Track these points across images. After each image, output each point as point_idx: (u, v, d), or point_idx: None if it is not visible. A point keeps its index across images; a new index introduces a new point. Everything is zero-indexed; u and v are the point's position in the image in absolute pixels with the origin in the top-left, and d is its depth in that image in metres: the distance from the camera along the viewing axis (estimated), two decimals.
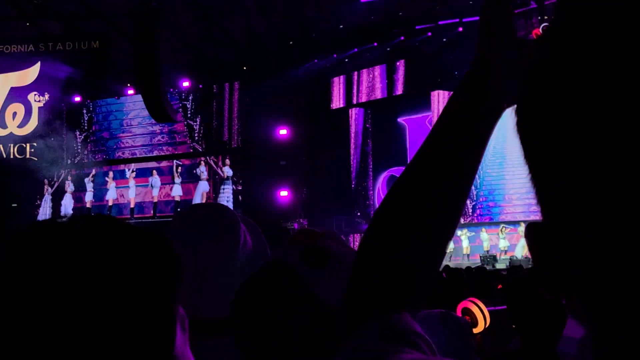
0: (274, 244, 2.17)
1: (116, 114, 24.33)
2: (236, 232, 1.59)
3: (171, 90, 18.97)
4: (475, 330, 4.03)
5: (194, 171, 22.81)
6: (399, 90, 22.34)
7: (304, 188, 21.86)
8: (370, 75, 22.91)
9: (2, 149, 24.00)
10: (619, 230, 0.42)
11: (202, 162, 22.83)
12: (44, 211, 23.72)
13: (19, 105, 24.17)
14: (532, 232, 0.50)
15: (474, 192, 21.02)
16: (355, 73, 23.03)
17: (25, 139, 24.06)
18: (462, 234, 20.26)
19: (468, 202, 20.10)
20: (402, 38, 21.36)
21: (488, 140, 0.84)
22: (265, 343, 1.25)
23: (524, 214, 20.14)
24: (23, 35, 23.38)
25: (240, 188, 22.05)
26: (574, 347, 2.22)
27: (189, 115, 22.95)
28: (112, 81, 23.16)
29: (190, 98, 22.93)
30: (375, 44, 21.87)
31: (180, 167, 22.97)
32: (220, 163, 22.62)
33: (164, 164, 23.37)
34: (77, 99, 23.69)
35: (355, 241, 22.28)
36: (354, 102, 23.33)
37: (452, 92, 0.88)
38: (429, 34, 20.98)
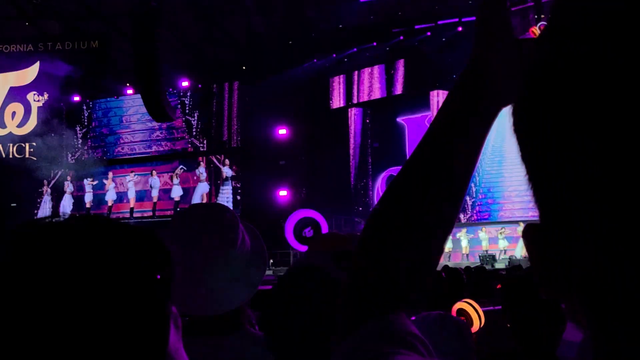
0: (274, 244, 2.16)
1: (115, 110, 24.37)
2: (235, 231, 1.60)
3: (170, 90, 18.98)
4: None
5: (194, 172, 22.83)
6: (399, 90, 22.37)
7: (304, 188, 21.88)
8: (370, 75, 22.93)
9: (1, 148, 24.02)
10: (619, 230, 0.42)
11: (202, 163, 22.85)
12: (44, 212, 23.72)
13: (18, 105, 24.18)
14: (530, 233, 0.50)
15: (473, 190, 21.05)
16: (355, 73, 23.05)
17: (25, 138, 24.07)
18: (461, 234, 20.27)
19: (467, 198, 20.13)
20: (402, 38, 21.38)
21: (485, 139, 0.84)
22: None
23: (522, 210, 20.19)
24: (22, 35, 23.40)
25: (239, 188, 22.06)
26: (573, 351, 2.22)
27: (187, 111, 22.98)
28: (111, 81, 23.17)
29: (188, 94, 22.98)
30: (375, 43, 21.89)
31: (180, 169, 22.99)
32: (219, 163, 22.63)
33: (163, 167, 23.40)
34: (77, 98, 23.71)
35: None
36: (354, 101, 23.35)
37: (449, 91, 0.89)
38: (429, 33, 21.01)
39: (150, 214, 23.11)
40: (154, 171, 23.39)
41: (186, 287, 1.53)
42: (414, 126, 22.81)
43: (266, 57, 21.65)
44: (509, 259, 18.07)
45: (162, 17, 15.50)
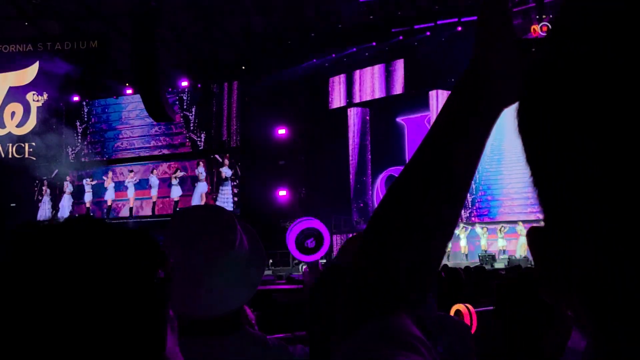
0: (273, 244, 2.17)
1: (114, 106, 24.38)
2: (233, 232, 1.60)
3: (170, 89, 18.98)
4: None
5: (193, 172, 22.83)
6: (398, 89, 22.37)
7: (303, 187, 21.88)
8: (369, 75, 22.93)
9: (0, 148, 24.00)
10: (619, 230, 0.42)
11: (201, 162, 22.85)
12: (43, 212, 23.71)
13: (18, 104, 24.17)
14: (533, 234, 0.50)
15: (473, 187, 21.05)
16: (354, 72, 23.05)
17: (24, 138, 24.06)
18: (460, 232, 20.25)
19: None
20: (401, 37, 21.37)
21: (486, 140, 0.83)
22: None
23: (522, 207, 20.21)
24: (22, 35, 23.39)
25: (239, 187, 22.05)
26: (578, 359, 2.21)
27: (184, 106, 23.01)
28: (110, 80, 23.16)
29: (186, 91, 23.02)
30: (374, 43, 21.88)
31: (179, 171, 23.00)
32: (219, 163, 22.63)
33: (163, 165, 23.40)
34: (76, 98, 23.70)
35: None
36: (353, 101, 23.34)
37: (449, 91, 0.88)
38: (428, 33, 21.00)
39: (150, 213, 23.11)
40: (154, 170, 23.40)
41: (186, 289, 1.53)
42: (413, 126, 22.81)
43: (265, 57, 21.64)
44: (509, 258, 18.07)
45: (162, 17, 15.50)
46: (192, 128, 23.23)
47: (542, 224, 0.51)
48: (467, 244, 20.28)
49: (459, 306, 4.45)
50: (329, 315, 1.28)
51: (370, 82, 22.95)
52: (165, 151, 23.61)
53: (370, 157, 23.60)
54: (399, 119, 23.21)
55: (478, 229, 20.04)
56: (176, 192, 22.88)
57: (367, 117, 23.66)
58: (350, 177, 23.46)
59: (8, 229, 0.76)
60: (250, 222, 1.76)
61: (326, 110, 23.53)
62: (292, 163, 22.34)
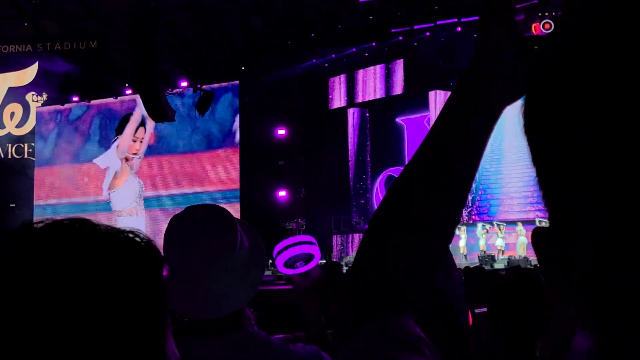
0: (272, 244, 2.16)
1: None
2: (233, 232, 1.59)
3: (169, 90, 18.97)
4: None
5: None
6: (397, 90, 22.37)
7: (302, 188, 21.88)
8: (369, 75, 22.93)
9: (0, 149, 24.00)
10: (619, 230, 0.42)
11: None
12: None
13: (17, 105, 24.16)
14: (537, 234, 0.50)
15: (473, 186, 21.00)
16: (354, 73, 23.04)
17: (24, 138, 24.06)
18: (461, 232, 20.24)
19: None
20: (401, 38, 21.37)
21: (487, 139, 0.83)
22: None
23: (521, 206, 20.22)
24: (21, 35, 23.38)
25: (238, 187, 22.02)
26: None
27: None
28: (110, 81, 23.15)
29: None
30: (374, 43, 21.88)
31: None
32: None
33: None
34: (75, 99, 23.68)
35: (353, 241, 22.29)
36: (353, 102, 23.34)
37: (450, 92, 0.88)
38: (428, 34, 20.99)
39: None
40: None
41: (187, 290, 1.53)
42: (413, 126, 22.80)
43: (265, 57, 21.64)
44: (508, 259, 18.05)
45: (161, 17, 15.49)
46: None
47: (543, 224, 0.51)
48: (466, 244, 20.27)
49: None
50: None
51: (369, 83, 22.95)
52: None
53: (369, 157, 23.60)
54: (398, 120, 23.21)
55: (479, 230, 20.03)
56: None
57: (367, 118, 23.67)
58: (350, 177, 23.46)
59: (7, 230, 0.76)
60: (248, 222, 1.76)
61: (326, 110, 23.53)
62: (292, 163, 22.33)
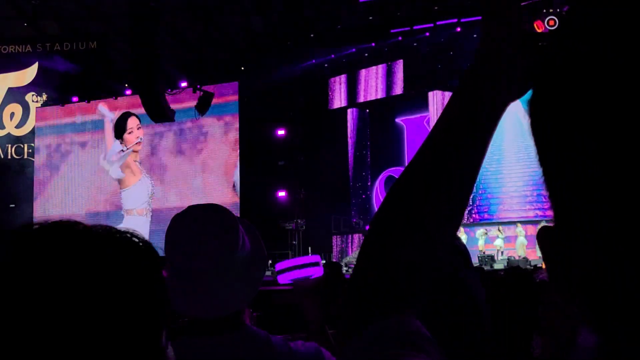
0: (272, 244, 2.16)
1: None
2: (235, 233, 1.59)
3: (169, 90, 18.97)
4: None
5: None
6: (397, 90, 22.36)
7: (302, 188, 21.86)
8: (369, 76, 22.92)
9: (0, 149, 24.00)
10: (619, 230, 0.42)
11: None
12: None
13: (17, 105, 24.16)
14: (543, 234, 0.50)
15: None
16: (354, 73, 23.04)
17: (23, 139, 24.05)
18: (461, 233, 20.23)
19: None
20: (400, 38, 21.36)
21: (490, 138, 0.83)
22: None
23: (521, 204, 20.23)
24: (21, 36, 23.37)
25: (238, 188, 22.02)
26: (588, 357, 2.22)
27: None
28: (110, 81, 23.14)
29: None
30: (373, 44, 21.88)
31: None
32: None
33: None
34: (75, 99, 23.67)
35: (353, 242, 22.28)
36: (353, 102, 23.34)
37: (450, 92, 0.88)
38: (427, 34, 20.99)
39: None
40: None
41: (188, 290, 1.53)
42: (412, 127, 22.80)
43: (264, 58, 21.63)
44: (508, 259, 18.05)
45: (161, 18, 15.49)
46: None
47: (544, 223, 0.51)
48: (466, 244, 20.23)
49: None
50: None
51: (369, 83, 22.94)
52: None
53: (369, 157, 23.60)
54: (398, 120, 23.21)
55: (478, 232, 20.04)
56: None
57: (367, 118, 23.66)
58: (350, 177, 23.46)
59: (7, 230, 0.76)
60: (249, 223, 1.76)
61: (326, 110, 23.53)
62: (292, 163, 22.32)
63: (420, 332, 0.77)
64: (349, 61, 22.63)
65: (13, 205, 22.72)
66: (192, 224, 1.59)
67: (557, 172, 0.46)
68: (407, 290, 0.81)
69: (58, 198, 23.18)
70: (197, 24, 20.98)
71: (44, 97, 23.95)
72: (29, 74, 23.94)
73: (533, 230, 19.26)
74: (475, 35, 18.77)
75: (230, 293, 1.55)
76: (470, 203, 20.96)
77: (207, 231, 1.57)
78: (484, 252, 19.35)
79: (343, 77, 23.29)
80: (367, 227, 0.87)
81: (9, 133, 24.11)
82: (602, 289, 0.44)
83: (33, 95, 24.01)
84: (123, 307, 0.72)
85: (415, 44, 21.35)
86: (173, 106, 17.04)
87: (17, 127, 24.18)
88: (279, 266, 2.18)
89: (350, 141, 23.58)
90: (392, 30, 21.19)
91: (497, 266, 16.43)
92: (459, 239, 1.57)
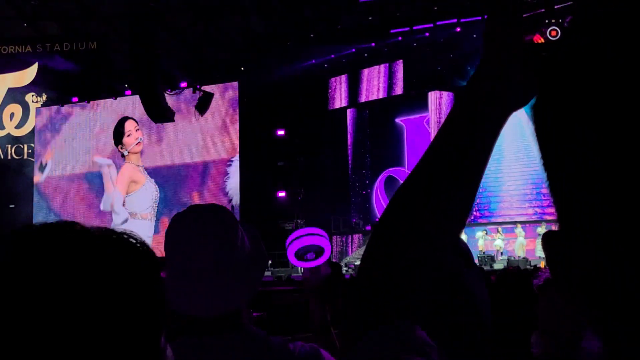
0: (272, 245, 2.17)
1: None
2: (234, 232, 1.60)
3: (169, 90, 18.97)
4: None
5: None
6: (397, 90, 22.37)
7: (302, 188, 21.87)
8: (368, 76, 22.93)
9: None
10: (619, 230, 0.42)
11: None
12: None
13: (17, 106, 24.17)
14: (547, 238, 0.50)
15: None
16: (353, 73, 23.04)
17: (23, 139, 24.05)
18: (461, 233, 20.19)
19: None
20: (400, 38, 21.37)
21: (492, 146, 0.83)
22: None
23: (520, 202, 20.28)
24: (21, 36, 23.38)
25: (238, 188, 22.04)
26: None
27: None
28: (110, 81, 23.15)
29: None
30: (373, 44, 21.88)
31: None
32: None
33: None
34: (75, 99, 23.69)
35: (352, 242, 22.29)
36: (352, 102, 23.34)
37: (450, 92, 0.89)
38: (427, 34, 20.99)
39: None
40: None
41: (187, 288, 1.53)
42: (412, 127, 22.81)
43: (264, 58, 21.63)
44: (508, 259, 18.06)
45: (161, 18, 15.49)
46: None
47: (543, 224, 0.51)
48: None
49: None
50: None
51: (369, 83, 22.95)
52: None
53: (369, 157, 23.60)
54: (397, 120, 23.22)
55: (478, 232, 20.05)
56: None
57: (366, 118, 23.67)
58: (349, 177, 23.46)
59: (7, 230, 0.76)
60: (249, 223, 1.76)
61: (325, 111, 23.54)
62: (291, 164, 22.33)
63: (422, 338, 0.77)
64: (348, 61, 22.64)
65: (13, 206, 22.72)
66: (192, 223, 1.59)
67: (558, 164, 0.46)
68: (409, 291, 0.81)
69: None
70: (197, 24, 20.99)
71: (44, 97, 23.96)
72: (29, 74, 23.95)
73: (532, 230, 19.29)
74: (475, 35, 18.78)
75: (229, 292, 1.56)
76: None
77: (207, 230, 1.57)
78: (484, 252, 19.36)
79: (343, 77, 23.30)
80: (368, 227, 0.87)
81: (8, 133, 24.12)
82: (602, 289, 0.44)
83: (33, 95, 24.01)
84: (122, 308, 0.72)
85: (415, 44, 21.36)
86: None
87: (17, 127, 24.18)
88: (289, 239, 2.19)
89: (350, 141, 23.58)
90: (392, 31, 21.20)
91: (496, 266, 16.45)
92: (460, 239, 1.57)
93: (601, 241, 0.43)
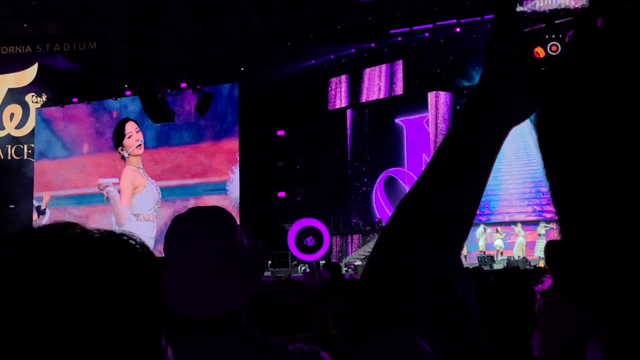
0: (272, 245, 2.17)
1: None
2: (234, 233, 1.60)
3: (169, 90, 18.98)
4: None
5: None
6: (397, 90, 22.36)
7: (302, 189, 21.88)
8: (368, 76, 22.93)
9: None
10: (619, 230, 0.42)
11: None
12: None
13: (17, 106, 24.16)
14: (549, 246, 0.50)
15: None
16: (353, 74, 23.04)
17: (23, 140, 24.06)
18: None
19: None
20: (400, 39, 21.37)
21: (493, 159, 0.84)
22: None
23: (520, 201, 20.29)
24: (21, 36, 23.39)
25: (238, 188, 22.05)
26: None
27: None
28: (110, 82, 23.15)
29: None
30: (373, 44, 21.88)
31: None
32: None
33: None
34: (75, 99, 23.69)
35: (352, 242, 22.29)
36: (352, 102, 23.35)
37: (449, 92, 0.89)
38: (427, 34, 21.00)
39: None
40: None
41: (185, 288, 1.53)
42: (412, 127, 22.83)
43: (264, 58, 21.64)
44: (508, 259, 18.07)
45: (160, 18, 15.50)
46: None
47: (542, 224, 0.52)
48: (466, 245, 20.25)
49: None
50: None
51: (369, 83, 22.95)
52: None
53: (369, 158, 23.61)
54: (397, 120, 23.22)
55: (478, 232, 20.05)
56: None
57: (366, 118, 23.67)
58: (349, 177, 23.46)
59: (7, 231, 0.76)
60: (249, 223, 1.77)
61: (325, 111, 23.54)
62: (291, 164, 22.33)
63: (424, 348, 0.77)
64: (348, 61, 22.64)
65: (13, 206, 22.72)
66: (192, 224, 1.60)
67: (556, 170, 0.46)
68: (409, 293, 0.82)
69: None
70: (197, 24, 21.00)
71: (44, 97, 23.96)
72: (29, 74, 23.95)
73: (532, 230, 19.32)
74: (474, 36, 18.78)
75: (229, 292, 1.56)
76: None
77: (207, 231, 1.58)
78: (484, 252, 19.37)
79: (343, 78, 23.30)
80: (368, 227, 0.88)
81: (8, 134, 24.12)
82: (602, 289, 0.44)
83: (33, 95, 24.01)
84: (121, 309, 0.72)
85: (415, 44, 21.36)
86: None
87: (17, 127, 24.19)
88: (291, 229, 2.20)
89: (349, 141, 23.58)
90: (391, 31, 21.20)
91: (496, 266, 16.46)
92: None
93: (601, 242, 0.43)
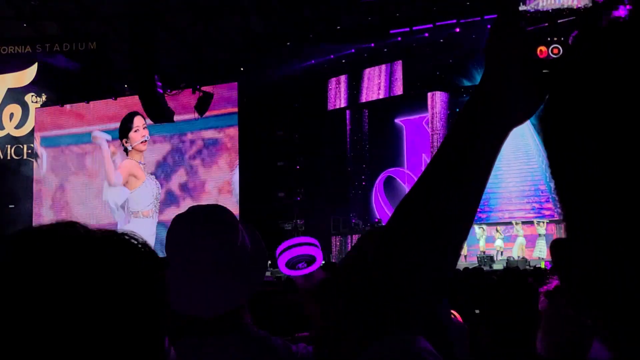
0: (272, 245, 2.17)
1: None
2: (235, 231, 1.60)
3: (168, 90, 18.97)
4: None
5: None
6: (396, 91, 22.35)
7: (301, 188, 21.87)
8: (368, 76, 22.92)
9: None
10: (619, 230, 0.42)
11: None
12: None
13: (16, 106, 24.15)
14: (555, 244, 0.51)
15: None
16: (353, 74, 23.03)
17: (23, 139, 24.04)
18: None
19: None
20: (400, 39, 21.36)
21: (494, 159, 0.84)
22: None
23: (519, 199, 20.29)
24: (21, 36, 23.37)
25: (237, 188, 22.04)
26: None
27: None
28: (110, 81, 23.13)
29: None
30: (373, 44, 21.87)
31: None
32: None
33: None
34: (75, 99, 23.66)
35: (352, 242, 22.27)
36: (351, 102, 23.33)
37: (449, 93, 0.89)
38: (426, 34, 20.98)
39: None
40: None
41: (187, 288, 1.53)
42: (411, 127, 22.81)
43: (264, 58, 21.63)
44: (507, 259, 18.06)
45: (160, 18, 15.50)
46: None
47: (541, 223, 0.52)
48: (465, 245, 20.23)
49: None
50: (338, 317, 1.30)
51: (368, 84, 22.93)
52: None
53: (368, 158, 23.59)
54: (397, 120, 23.21)
55: (477, 230, 20.04)
56: None
57: (366, 119, 23.66)
58: (349, 178, 23.45)
59: (7, 231, 0.76)
60: (249, 223, 1.77)
61: (325, 111, 23.52)
62: (291, 164, 22.32)
63: (428, 349, 0.78)
64: (348, 61, 22.62)
65: (12, 206, 22.71)
66: (193, 223, 1.60)
67: (559, 172, 0.46)
68: (409, 293, 0.82)
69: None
70: (197, 24, 20.98)
71: (44, 97, 23.94)
72: (29, 74, 23.93)
73: (532, 229, 19.31)
74: (474, 36, 18.77)
75: (229, 292, 1.56)
76: None
77: (207, 231, 1.58)
78: (483, 252, 19.36)
79: (342, 78, 23.28)
80: (368, 227, 0.88)
81: (8, 134, 24.10)
82: (603, 289, 0.44)
83: (33, 95, 24.00)
84: (123, 309, 0.72)
85: (414, 45, 21.34)
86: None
87: (17, 127, 24.17)
88: (278, 249, 2.18)
89: (349, 141, 23.57)
90: (391, 31, 21.18)
91: (496, 266, 16.46)
92: None
93: (601, 242, 0.43)
